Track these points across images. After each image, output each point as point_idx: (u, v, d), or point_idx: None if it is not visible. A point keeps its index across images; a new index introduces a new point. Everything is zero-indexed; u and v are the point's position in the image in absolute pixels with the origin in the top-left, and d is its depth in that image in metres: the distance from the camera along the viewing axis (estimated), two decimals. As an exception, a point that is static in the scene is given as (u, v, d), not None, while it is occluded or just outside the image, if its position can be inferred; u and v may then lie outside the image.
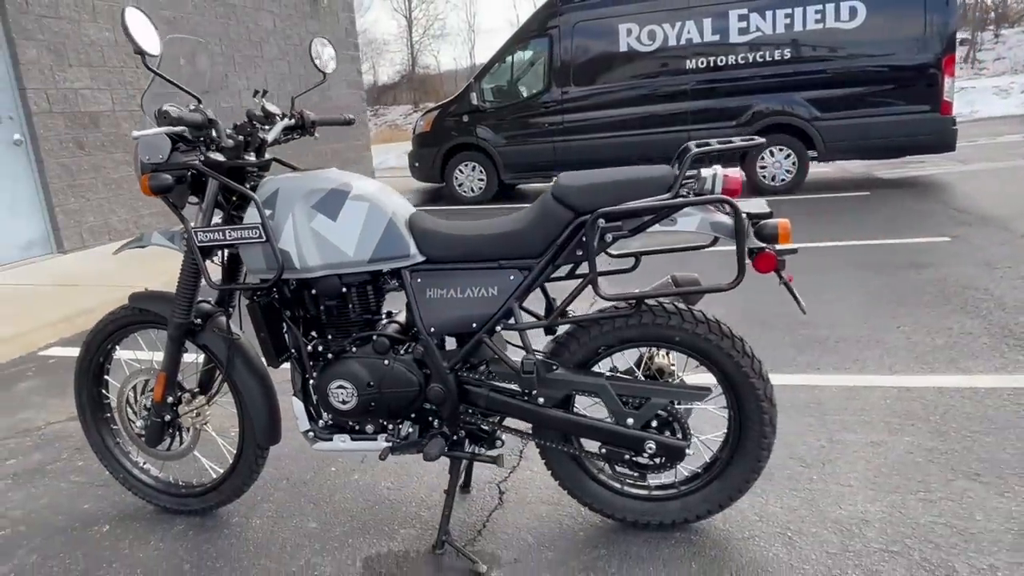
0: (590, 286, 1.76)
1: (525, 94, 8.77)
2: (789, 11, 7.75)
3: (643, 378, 1.92)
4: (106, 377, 2.30)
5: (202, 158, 1.89)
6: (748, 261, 1.72)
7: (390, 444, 1.97)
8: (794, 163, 7.96)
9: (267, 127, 2.08)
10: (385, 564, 1.97)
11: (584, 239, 1.76)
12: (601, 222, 1.72)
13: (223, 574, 1.97)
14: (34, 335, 4.13)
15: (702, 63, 8.07)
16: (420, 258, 1.88)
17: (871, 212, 6.47)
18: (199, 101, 1.93)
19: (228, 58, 8.55)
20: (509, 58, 8.88)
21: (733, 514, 2.08)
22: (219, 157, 1.91)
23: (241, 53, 8.79)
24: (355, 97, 11.57)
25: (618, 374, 1.92)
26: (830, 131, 7.76)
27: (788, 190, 7.97)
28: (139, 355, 2.64)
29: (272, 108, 2.04)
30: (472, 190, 9.11)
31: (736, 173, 1.75)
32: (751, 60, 7.92)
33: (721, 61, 8.02)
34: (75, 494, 2.48)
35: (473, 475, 2.39)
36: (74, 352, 4.03)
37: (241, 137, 1.96)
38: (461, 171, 9.09)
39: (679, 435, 1.85)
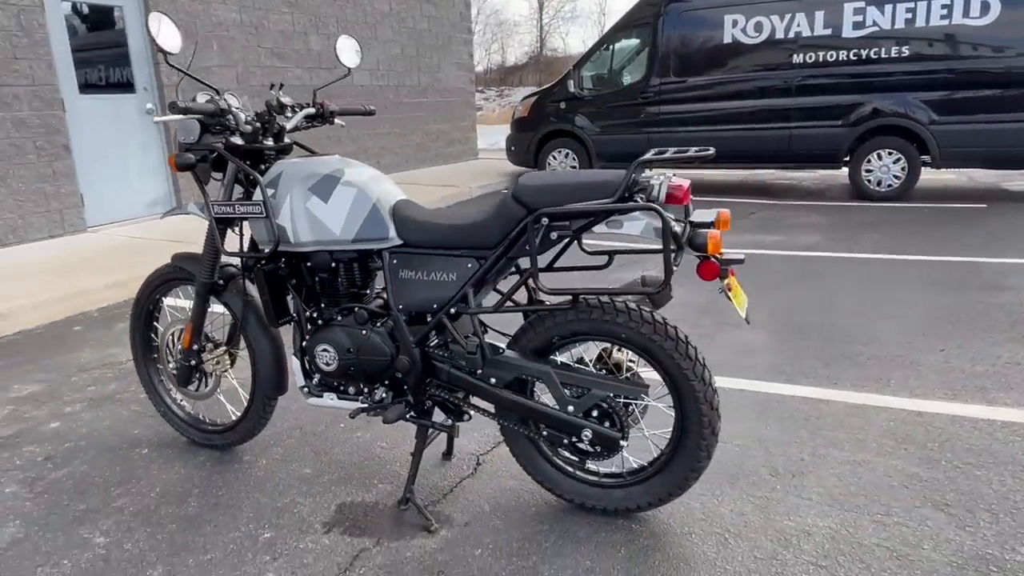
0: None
1: (623, 83, 8.74)
2: (911, 5, 7.25)
3: (593, 370, 2.03)
4: (155, 323, 2.68)
5: (223, 142, 2.17)
6: (677, 268, 1.79)
7: (364, 405, 2.20)
8: (904, 168, 7.48)
9: (289, 115, 2.34)
10: (354, 511, 2.21)
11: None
12: (545, 221, 1.84)
13: (221, 500, 2.29)
14: (140, 282, 4.72)
15: (810, 58, 7.72)
16: (398, 241, 2.08)
17: (975, 226, 6.01)
18: (217, 92, 2.22)
19: (344, 39, 9.10)
20: (610, 46, 8.87)
21: (680, 509, 2.15)
22: (238, 141, 2.19)
23: (355, 34, 9.32)
24: (463, 79, 11.92)
25: (568, 364, 2.04)
26: (948, 136, 7.22)
27: (895, 197, 7.51)
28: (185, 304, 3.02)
29: (285, 100, 2.30)
30: (564, 177, 9.21)
31: (683, 181, 1.81)
32: (864, 56, 7.49)
33: (831, 57, 7.63)
34: (130, 420, 2.90)
35: (458, 446, 2.58)
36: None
37: (259, 124, 2.23)
38: (554, 157, 9.21)
39: (616, 427, 1.95)
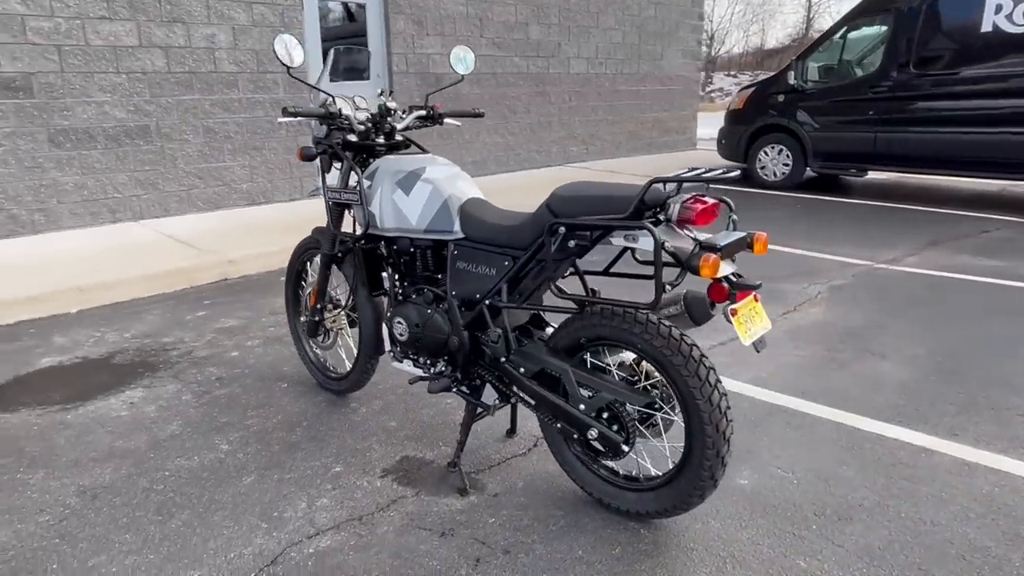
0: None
1: (854, 75, 7.99)
2: None
3: (612, 375, 2.12)
4: (303, 283, 3.24)
5: (340, 139, 2.59)
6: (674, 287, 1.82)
7: (423, 373, 2.51)
8: None
9: (403, 116, 2.70)
10: (411, 464, 2.54)
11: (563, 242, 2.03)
12: (561, 230, 1.97)
13: (318, 434, 2.76)
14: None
15: (1094, 51, 6.42)
16: (461, 235, 2.33)
17: None
18: (332, 98, 2.62)
19: (564, 28, 9.44)
20: (844, 34, 8.14)
21: (697, 525, 2.17)
22: (353, 138, 2.59)
23: (577, 23, 9.61)
24: (688, 67, 11.65)
25: (595, 364, 2.15)
26: None
27: None
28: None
29: (391, 104, 2.64)
30: (774, 174, 8.71)
31: (706, 202, 1.82)
32: None
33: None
34: (285, 359, 3.53)
35: (522, 427, 2.80)
36: (356, 263, 5.34)
37: (371, 124, 2.61)
38: (766, 153, 8.74)
39: (621, 432, 2.03)
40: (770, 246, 5.74)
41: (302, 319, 3.12)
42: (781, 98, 8.51)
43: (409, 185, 2.41)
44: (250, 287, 4.76)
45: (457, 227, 2.33)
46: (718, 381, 1.92)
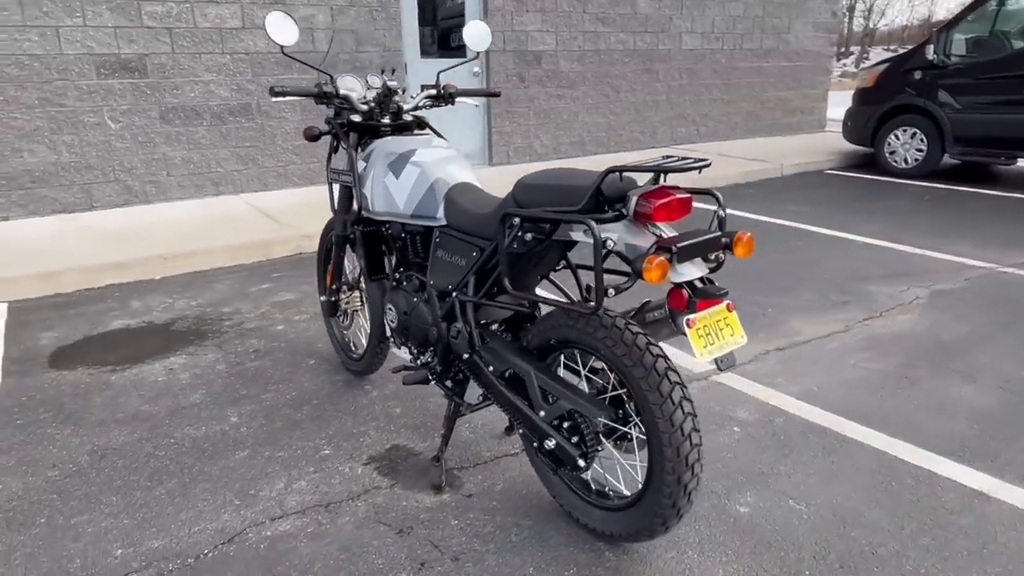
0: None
1: (1005, 50, 6.97)
2: None
3: (591, 383, 1.94)
4: (330, 262, 3.26)
5: (345, 120, 2.54)
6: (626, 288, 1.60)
7: (409, 364, 2.43)
8: None
9: (414, 96, 2.61)
10: (398, 455, 2.49)
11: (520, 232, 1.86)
12: (516, 221, 1.81)
13: (322, 414, 2.78)
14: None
15: None
16: (443, 222, 2.22)
17: None
18: (331, 77, 2.57)
19: (676, 1, 8.93)
20: (996, 3, 7.10)
21: (672, 554, 1.95)
22: (356, 118, 2.54)
23: (692, -4, 9.06)
24: (820, 41, 10.69)
25: (562, 369, 1.98)
26: None
27: None
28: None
29: (392, 84, 2.54)
30: (905, 161, 7.83)
31: (671, 195, 1.60)
32: None
33: None
34: (322, 336, 3.59)
35: (524, 423, 2.66)
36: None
37: (373, 104, 2.54)
38: (896, 137, 7.86)
39: (579, 444, 1.85)
40: (875, 241, 5.16)
41: (321, 298, 3.15)
42: (918, 75, 7.60)
43: (399, 168, 2.33)
44: (314, 263, 4.90)
45: (441, 213, 2.22)
46: (684, 399, 1.70)
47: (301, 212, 5.77)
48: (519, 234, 1.85)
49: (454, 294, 2.13)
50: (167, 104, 6.02)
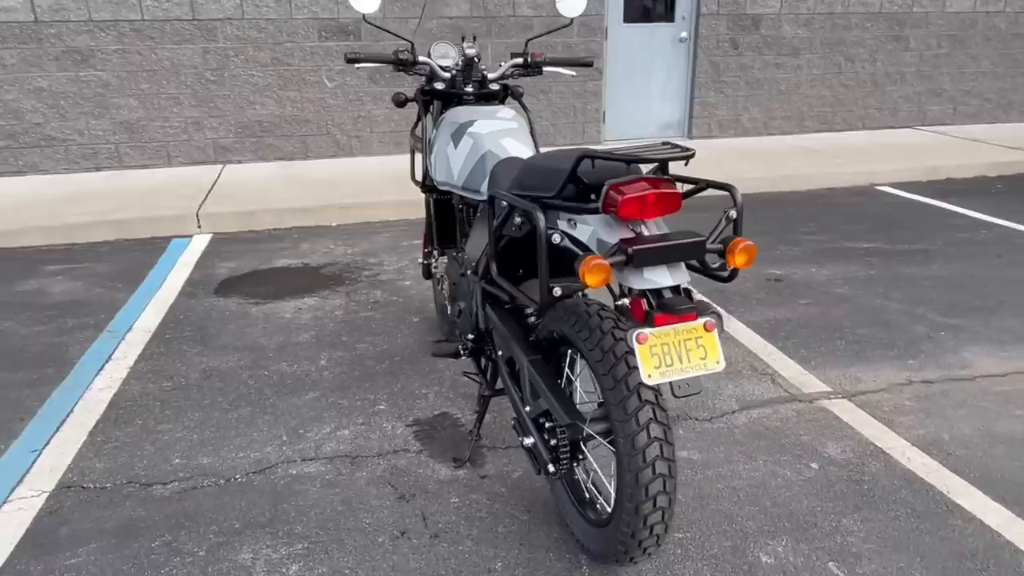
0: None
1: None
2: None
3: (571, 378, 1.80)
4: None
5: (427, 87, 2.54)
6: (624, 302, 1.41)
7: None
8: None
9: (500, 64, 2.54)
10: (440, 423, 2.53)
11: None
12: (504, 204, 1.68)
13: (400, 367, 2.90)
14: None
15: None
16: (485, 196, 2.15)
17: None
18: (411, 44, 2.54)
19: (944, -45, 7.54)
20: None
21: (646, 588, 1.76)
22: (439, 86, 2.53)
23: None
24: None
25: (567, 365, 1.84)
26: None
27: None
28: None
29: (469, 51, 2.46)
30: None
31: (634, 189, 1.38)
32: None
33: None
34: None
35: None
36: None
37: (455, 72, 2.50)
38: None
39: (551, 450, 1.72)
40: None
41: (419, 260, 3.25)
42: None
43: (458, 138, 2.30)
44: (474, 224, 5.05)
45: (484, 187, 2.16)
46: (653, 421, 1.49)
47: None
48: (511, 219, 1.73)
49: (468, 272, 2.08)
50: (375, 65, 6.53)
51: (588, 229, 1.51)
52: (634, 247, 1.38)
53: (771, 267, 4.08)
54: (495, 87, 2.57)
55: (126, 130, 6.15)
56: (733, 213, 1.52)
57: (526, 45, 2.60)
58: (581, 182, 1.51)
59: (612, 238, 1.45)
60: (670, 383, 1.40)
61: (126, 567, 1.85)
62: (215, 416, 2.58)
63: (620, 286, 1.52)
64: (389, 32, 2.55)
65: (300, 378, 2.85)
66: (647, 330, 1.38)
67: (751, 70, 7.46)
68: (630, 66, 7.21)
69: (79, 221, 4.72)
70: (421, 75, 2.59)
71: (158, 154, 6.29)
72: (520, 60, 2.55)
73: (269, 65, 6.27)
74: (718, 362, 1.43)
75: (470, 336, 2.25)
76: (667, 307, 1.38)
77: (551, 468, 1.73)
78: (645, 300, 1.42)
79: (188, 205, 5.04)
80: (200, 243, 4.64)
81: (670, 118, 7.52)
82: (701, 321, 1.41)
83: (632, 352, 1.40)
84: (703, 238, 1.42)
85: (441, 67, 2.53)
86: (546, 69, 2.62)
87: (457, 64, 2.54)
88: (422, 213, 5.25)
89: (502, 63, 2.58)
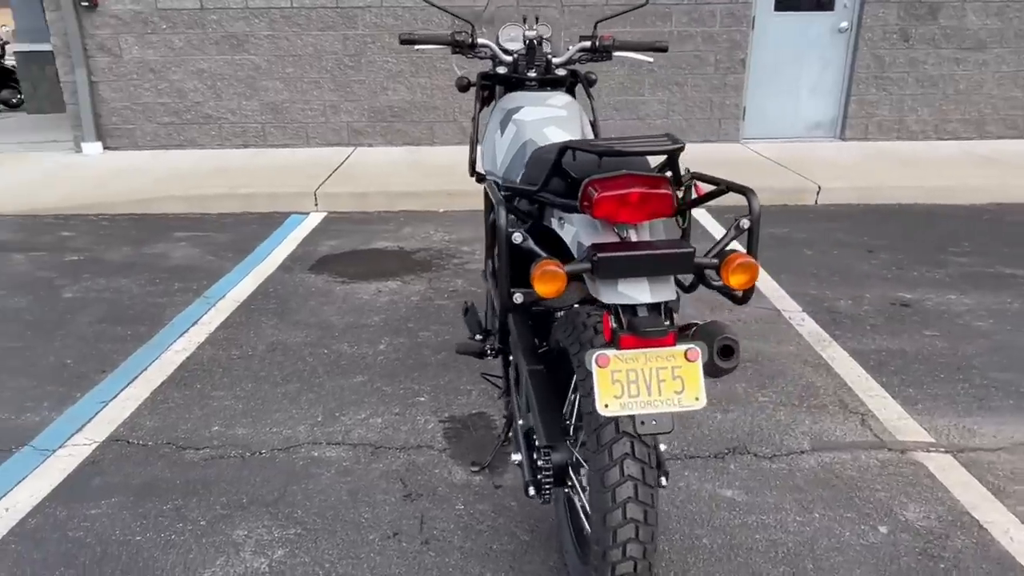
0: None
1: None
2: None
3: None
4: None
5: (490, 71, 2.41)
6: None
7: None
8: None
9: (569, 47, 2.36)
10: (478, 422, 2.42)
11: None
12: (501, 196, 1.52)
13: (455, 360, 2.82)
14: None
15: None
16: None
17: None
18: (471, 26, 2.39)
19: None
20: None
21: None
22: (502, 70, 2.39)
23: None
24: None
25: (543, 375, 1.66)
26: None
27: None
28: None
29: (528, 33, 2.29)
30: None
31: (612, 188, 1.18)
32: None
33: None
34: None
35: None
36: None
37: (516, 56, 2.35)
38: None
39: (534, 471, 1.55)
40: None
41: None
42: None
43: (505, 124, 2.16)
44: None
45: (519, 177, 2.01)
46: (628, 458, 1.29)
47: (593, 167, 5.77)
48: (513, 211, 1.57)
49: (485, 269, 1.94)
50: (505, 54, 6.49)
51: (572, 230, 1.33)
52: (600, 254, 1.18)
53: (900, 290, 3.56)
54: (561, 72, 2.40)
55: (272, 111, 6.59)
56: (746, 222, 1.27)
57: (595, 28, 2.40)
58: (569, 176, 1.33)
59: (590, 241, 1.26)
60: (632, 417, 1.20)
61: (133, 525, 1.92)
62: (264, 389, 2.64)
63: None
64: (449, 12, 2.45)
65: (355, 360, 2.86)
66: (611, 352, 1.18)
67: (923, 65, 6.60)
68: (778, 58, 6.64)
69: (213, 193, 5.11)
70: (483, 58, 2.47)
71: (298, 135, 6.67)
72: (587, 44, 2.36)
73: (403, 52, 6.43)
74: (697, 399, 1.19)
75: (478, 336, 2.12)
76: (636, 327, 1.17)
77: (531, 491, 1.56)
78: (614, 317, 1.22)
79: (309, 184, 5.28)
80: (313, 221, 4.85)
81: (820, 116, 6.84)
82: (681, 348, 1.19)
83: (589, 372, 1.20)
84: (690, 249, 1.19)
85: (504, 50, 2.40)
86: (616, 54, 2.40)
87: (520, 48, 2.40)
88: (529, 204, 5.15)
89: (571, 46, 2.41)
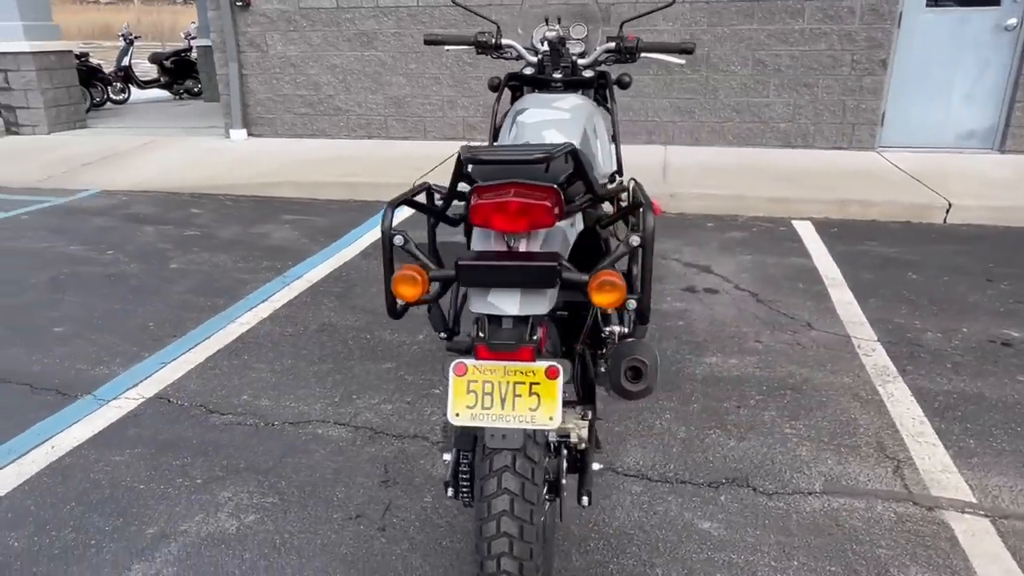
0: None
1: None
2: None
3: None
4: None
5: (519, 72, 2.40)
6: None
7: None
8: None
9: (596, 48, 2.30)
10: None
11: None
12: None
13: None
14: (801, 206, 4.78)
15: None
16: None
17: None
18: (497, 27, 2.36)
19: None
20: None
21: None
22: (528, 71, 2.37)
23: None
24: None
25: None
26: None
27: None
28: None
29: (549, 33, 2.22)
30: None
31: (491, 196, 1.15)
32: None
33: None
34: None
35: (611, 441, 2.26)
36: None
37: (542, 56, 2.31)
38: None
39: (455, 470, 1.54)
40: None
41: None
42: None
43: (511, 126, 2.14)
44: (669, 224, 4.71)
45: (512, 180, 1.99)
46: (507, 471, 1.26)
47: (700, 172, 5.54)
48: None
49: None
50: (621, 52, 6.37)
51: (473, 237, 1.32)
52: (460, 262, 1.16)
53: (1008, 326, 3.11)
54: (588, 74, 2.35)
55: (394, 104, 6.93)
56: (636, 239, 1.19)
57: (620, 28, 2.32)
58: (472, 180, 1.31)
59: (477, 249, 1.25)
60: (484, 429, 1.17)
61: (144, 473, 2.15)
62: (300, 367, 2.82)
63: None
64: (475, 13, 2.47)
65: (391, 347, 2.98)
66: (469, 361, 1.16)
67: (1111, 69, 5.66)
68: (927, 59, 5.98)
69: (324, 180, 5.48)
70: (508, 59, 2.47)
71: (416, 128, 6.97)
72: (612, 45, 2.28)
73: (519, 49, 6.50)
74: (551, 419, 1.14)
75: (443, 334, 2.12)
76: (491, 338, 1.14)
77: (449, 491, 1.56)
78: (476, 326, 1.19)
79: (411, 175, 5.51)
80: (407, 211, 5.06)
81: (975, 125, 6.08)
82: (542, 364, 1.14)
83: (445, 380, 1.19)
84: (553, 264, 1.13)
85: (529, 51, 2.38)
86: (643, 55, 2.31)
87: (545, 49, 2.37)
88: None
89: (596, 47, 2.34)
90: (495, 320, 1.18)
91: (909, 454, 2.24)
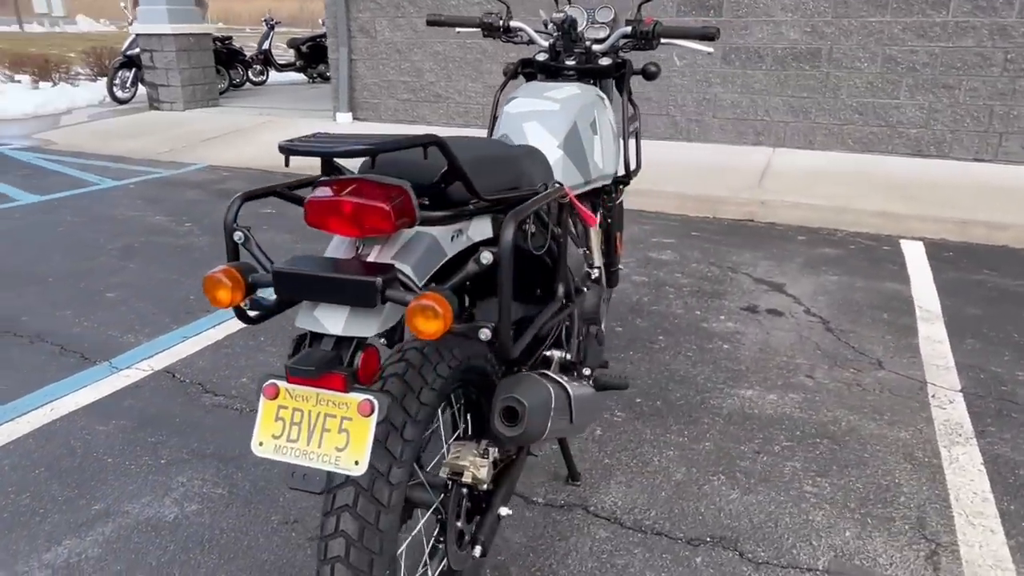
0: None
1: None
2: None
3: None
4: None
5: (533, 58, 2.17)
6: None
7: None
8: None
9: (615, 33, 2.04)
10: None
11: None
12: None
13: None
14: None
15: None
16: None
17: None
18: (507, 8, 2.12)
19: None
20: None
21: None
22: (541, 57, 2.14)
23: None
24: None
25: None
26: None
27: None
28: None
29: (558, 15, 1.97)
30: None
31: (327, 194, 0.98)
32: None
33: None
34: (641, 304, 3.30)
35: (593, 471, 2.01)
36: None
37: (552, 42, 2.08)
38: None
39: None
40: None
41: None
42: None
43: (501, 116, 1.94)
44: (753, 234, 4.29)
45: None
46: (346, 509, 1.09)
47: (805, 178, 5.01)
48: None
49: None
50: (732, 44, 5.90)
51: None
52: (275, 267, 0.99)
53: None
54: (605, 62, 2.09)
55: (492, 93, 6.83)
56: (488, 256, 0.96)
57: (638, 10, 2.04)
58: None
59: (330, 255, 1.07)
60: (289, 468, 0.99)
61: (117, 447, 2.16)
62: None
63: None
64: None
65: (405, 343, 2.87)
66: (282, 383, 0.99)
67: None
68: (1103, 60, 5.05)
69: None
70: (518, 43, 2.26)
71: (513, 118, 6.83)
72: (628, 29, 2.01)
73: (622, 39, 6.19)
74: (357, 463, 0.95)
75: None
76: (298, 361, 0.96)
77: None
78: (295, 344, 1.02)
79: (492, 166, 5.39)
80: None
81: None
82: (357, 397, 0.95)
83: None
84: (371, 280, 0.94)
85: (543, 35, 2.16)
86: (663, 41, 2.01)
87: (558, 34, 2.13)
88: (709, 212, 4.66)
89: (614, 31, 2.08)
90: (317, 339, 1.02)
91: (955, 538, 1.82)
